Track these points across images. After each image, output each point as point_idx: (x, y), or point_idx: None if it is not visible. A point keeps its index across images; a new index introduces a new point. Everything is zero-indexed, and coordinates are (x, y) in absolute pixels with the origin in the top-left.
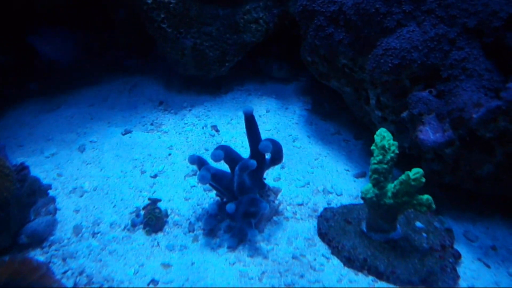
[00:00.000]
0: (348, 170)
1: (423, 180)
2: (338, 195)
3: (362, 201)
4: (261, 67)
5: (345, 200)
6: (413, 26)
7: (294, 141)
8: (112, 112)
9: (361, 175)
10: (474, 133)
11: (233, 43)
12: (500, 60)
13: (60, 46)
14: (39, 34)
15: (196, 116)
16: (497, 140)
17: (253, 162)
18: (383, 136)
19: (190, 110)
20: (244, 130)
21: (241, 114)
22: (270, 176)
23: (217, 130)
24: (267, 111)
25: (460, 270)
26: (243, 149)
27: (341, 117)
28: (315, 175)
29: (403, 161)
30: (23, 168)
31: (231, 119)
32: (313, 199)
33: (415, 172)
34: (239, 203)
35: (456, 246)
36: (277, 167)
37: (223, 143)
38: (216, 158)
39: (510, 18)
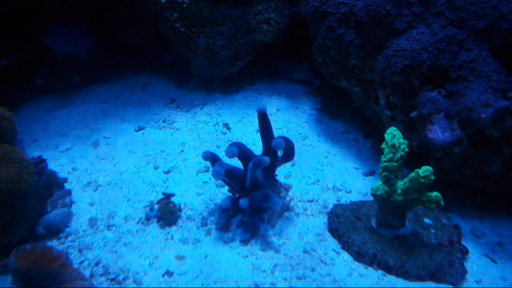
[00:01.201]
0: (357, 168)
1: (432, 177)
2: (347, 192)
3: (371, 198)
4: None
5: (355, 197)
6: (423, 28)
7: (304, 140)
8: (125, 109)
9: (370, 173)
10: (482, 132)
11: (245, 43)
12: (508, 61)
13: (73, 44)
14: (52, 32)
15: (207, 114)
16: (504, 139)
17: (266, 159)
18: (393, 135)
19: (201, 108)
20: (255, 128)
21: (252, 113)
22: (281, 173)
23: (229, 128)
24: (278, 110)
25: (468, 265)
26: (254, 147)
27: (350, 116)
28: (325, 173)
29: (412, 160)
30: (41, 161)
31: (242, 118)
32: (323, 196)
33: (425, 170)
34: (252, 199)
35: (463, 242)
36: (288, 164)
37: (234, 140)
38: (230, 155)
39: None
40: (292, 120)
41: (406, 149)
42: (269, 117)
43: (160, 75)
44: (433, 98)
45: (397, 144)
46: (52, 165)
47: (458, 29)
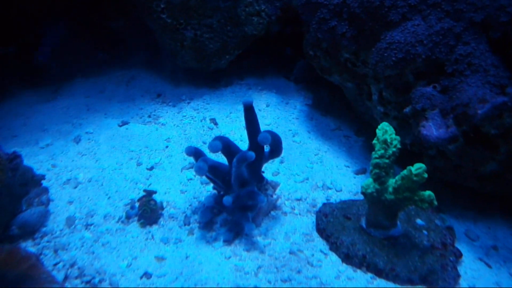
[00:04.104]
0: (348, 166)
1: (426, 175)
2: (337, 191)
3: (361, 197)
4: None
5: (345, 196)
6: (418, 20)
7: (294, 136)
8: (109, 103)
9: (361, 171)
10: (478, 129)
11: (234, 36)
12: (506, 55)
13: (58, 38)
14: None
15: (194, 109)
16: (501, 137)
17: (252, 154)
18: (385, 130)
19: (188, 103)
20: (243, 124)
21: (240, 108)
22: (269, 170)
23: (216, 123)
24: (267, 106)
25: (461, 269)
26: (242, 143)
27: (342, 112)
28: (314, 171)
29: (404, 158)
30: (16, 156)
31: (230, 113)
32: (312, 195)
33: (418, 167)
34: (237, 196)
35: (457, 245)
36: (276, 161)
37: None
38: (213, 149)
39: None
40: (282, 116)
41: (399, 145)
42: (258, 112)
43: (147, 69)
44: (427, 93)
45: (389, 140)
46: (31, 162)
47: (455, 21)
